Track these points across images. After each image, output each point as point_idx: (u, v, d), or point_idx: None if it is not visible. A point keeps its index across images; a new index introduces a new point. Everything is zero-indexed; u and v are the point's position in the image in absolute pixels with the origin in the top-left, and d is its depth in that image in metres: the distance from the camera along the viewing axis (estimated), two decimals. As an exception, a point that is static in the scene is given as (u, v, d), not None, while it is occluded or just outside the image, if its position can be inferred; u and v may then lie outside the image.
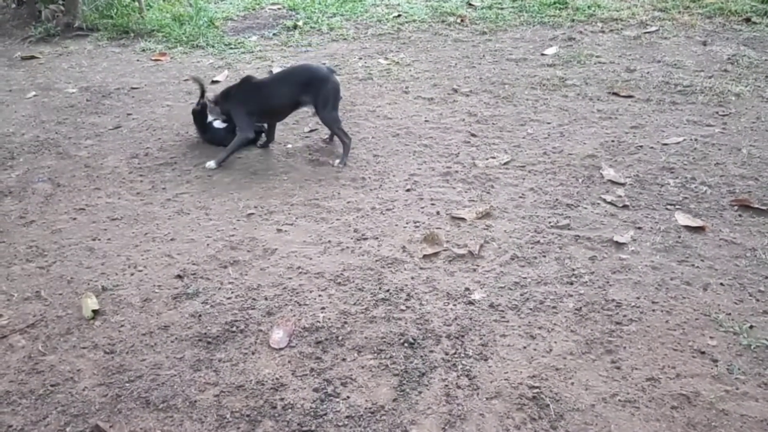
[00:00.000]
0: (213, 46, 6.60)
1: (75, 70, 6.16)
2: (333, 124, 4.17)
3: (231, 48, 6.54)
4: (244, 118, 4.17)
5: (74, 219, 3.63)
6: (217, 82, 5.63)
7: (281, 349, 2.63)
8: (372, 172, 3.98)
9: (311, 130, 4.60)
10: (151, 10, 7.63)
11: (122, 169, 4.17)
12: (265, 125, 4.37)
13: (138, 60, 6.37)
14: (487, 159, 4.05)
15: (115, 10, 7.45)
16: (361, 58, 6.05)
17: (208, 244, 3.33)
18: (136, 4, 7.54)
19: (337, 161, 4.09)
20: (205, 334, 2.72)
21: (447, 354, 2.55)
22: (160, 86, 5.60)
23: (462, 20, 6.94)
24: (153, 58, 6.37)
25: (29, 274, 3.17)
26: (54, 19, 7.35)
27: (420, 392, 2.38)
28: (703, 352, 2.47)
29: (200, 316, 2.82)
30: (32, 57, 6.61)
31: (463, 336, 2.64)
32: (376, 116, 4.77)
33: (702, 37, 5.98)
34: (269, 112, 4.28)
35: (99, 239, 3.43)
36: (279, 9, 7.74)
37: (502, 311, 2.76)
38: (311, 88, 4.10)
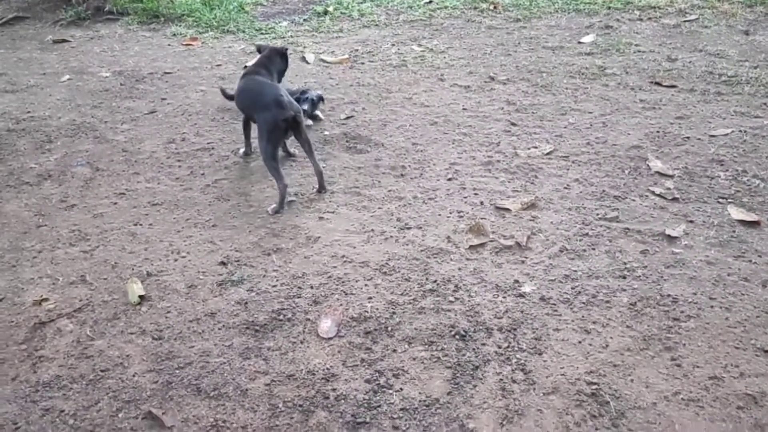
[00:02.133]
0: (244, 32, 6.56)
1: (107, 54, 6.14)
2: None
3: (262, 33, 6.49)
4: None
5: (115, 204, 3.62)
6: (250, 67, 5.57)
7: (330, 338, 2.60)
8: (412, 161, 3.92)
9: (348, 117, 4.55)
10: (181, -6, 7.59)
11: (160, 154, 4.14)
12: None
13: (169, 44, 6.34)
14: (528, 149, 3.98)
15: (145, -6, 7.43)
16: (393, 45, 5.98)
17: (250, 231, 3.30)
18: (166, -12, 7.49)
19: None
20: (253, 322, 2.69)
21: (500, 347, 2.50)
22: (192, 71, 5.57)
23: (495, 7, 6.84)
24: (184, 43, 6.34)
25: (73, 258, 3.16)
26: (84, 3, 7.33)
27: (475, 386, 2.33)
28: (766, 351, 2.40)
29: (246, 303, 2.80)
30: (63, 40, 6.60)
31: (515, 329, 2.59)
32: (412, 104, 4.71)
33: (744, 26, 5.84)
34: None
35: (141, 224, 3.41)
36: (309, -6, 7.67)
37: (554, 305, 2.71)
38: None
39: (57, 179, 3.90)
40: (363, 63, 5.57)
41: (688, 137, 3.98)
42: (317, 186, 3.63)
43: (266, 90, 3.65)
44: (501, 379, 2.35)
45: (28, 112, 4.83)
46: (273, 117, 3.47)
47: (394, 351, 2.51)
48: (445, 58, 5.58)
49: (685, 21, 6.02)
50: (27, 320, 2.76)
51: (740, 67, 4.95)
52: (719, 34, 5.68)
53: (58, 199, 3.68)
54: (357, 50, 5.88)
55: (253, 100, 3.72)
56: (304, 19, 6.84)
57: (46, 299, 2.87)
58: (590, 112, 4.42)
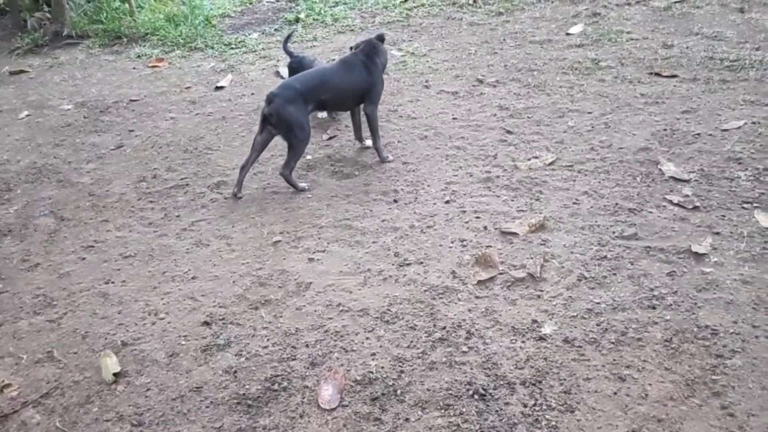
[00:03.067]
0: (212, 48, 6.22)
1: (68, 83, 5.78)
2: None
3: (232, 48, 6.16)
4: None
5: (83, 259, 3.29)
6: (221, 88, 5.24)
7: (333, 409, 2.29)
8: (404, 183, 3.62)
9: (330, 137, 4.23)
10: (143, 12, 7.22)
11: (130, 195, 3.81)
12: None
13: (134, 68, 5.99)
14: (529, 159, 3.68)
15: (104, 14, 7.06)
16: (372, 51, 5.64)
17: (234, 282, 2.99)
18: (126, 6, 7.12)
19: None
20: (244, 394, 2.38)
21: (526, 406, 2.20)
22: (160, 96, 5.22)
23: (474, 1, 6.52)
24: (150, 65, 5.99)
25: (38, 330, 2.83)
26: (41, 28, 6.96)
27: (503, 459, 2.04)
28: (829, 390, 2.12)
29: (235, 372, 2.48)
30: (21, 71, 6.24)
31: (540, 381, 2.29)
32: (398, 116, 4.40)
33: (737, 3, 5.56)
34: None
35: (112, 282, 3.09)
36: (277, 1, 7.32)
37: (580, 347, 2.41)
38: None
39: (18, 234, 3.56)
40: (341, 74, 5.23)
41: (698, 134, 3.69)
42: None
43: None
44: (532, 448, 2.06)
45: (-15, 157, 4.48)
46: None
47: (407, 420, 2.21)
48: (427, 61, 5.27)
49: (675, 2, 5.74)
50: (-12, 413, 2.43)
51: (741, 50, 4.67)
52: (713, 15, 5.40)
53: (19, 258, 3.34)
54: (333, 59, 5.54)
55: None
56: (275, 29, 6.51)
57: (9, 384, 2.54)
58: (590, 112, 4.12)
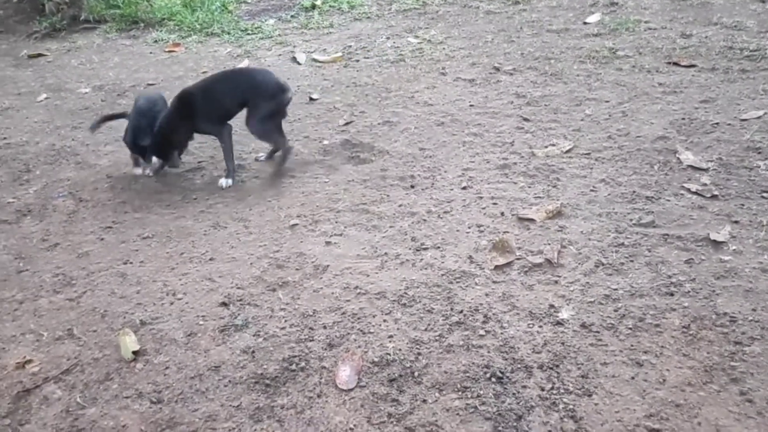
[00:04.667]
0: (229, 33, 6.22)
1: (86, 67, 5.81)
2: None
3: (248, 34, 6.16)
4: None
5: (101, 239, 3.31)
6: (238, 72, 5.24)
7: (350, 389, 2.30)
8: (421, 169, 3.62)
9: (347, 122, 4.23)
10: (160, -3, 7.23)
11: (147, 178, 3.83)
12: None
13: (151, 52, 6.00)
14: (546, 147, 3.67)
15: (121, -1, 7.07)
16: (389, 38, 5.64)
17: (251, 263, 3.00)
18: (144, -10, 7.13)
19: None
20: (262, 374, 2.39)
21: (543, 389, 2.21)
22: (177, 81, 5.24)
23: (491, -11, 6.48)
24: (166, 50, 6.00)
25: (58, 308, 2.86)
26: (59, 12, 6.98)
27: (520, 440, 2.04)
28: None
29: (253, 352, 2.50)
30: (39, 55, 6.26)
31: (557, 366, 2.29)
32: (415, 103, 4.39)
33: (758, -7, 5.50)
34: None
35: (131, 262, 3.11)
36: (294, -12, 7.31)
37: (597, 332, 2.41)
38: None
39: (38, 214, 3.59)
40: (358, 60, 5.24)
41: (717, 123, 3.67)
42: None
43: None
44: (549, 430, 2.06)
45: (4, 138, 4.52)
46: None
47: (425, 401, 2.22)
48: (444, 49, 5.25)
49: (694, -8, 5.68)
50: (10, 387, 2.46)
51: (762, 39, 4.62)
52: (733, 4, 5.35)
53: (39, 238, 3.38)
54: (350, 46, 5.55)
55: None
56: (292, 16, 6.50)
57: (30, 360, 2.57)
58: (607, 101, 4.10)
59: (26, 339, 2.70)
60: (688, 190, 3.15)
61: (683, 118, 3.77)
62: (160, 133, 3.63)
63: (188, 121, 3.65)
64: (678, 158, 3.40)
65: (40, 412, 2.34)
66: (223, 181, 3.65)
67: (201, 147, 4.11)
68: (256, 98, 3.64)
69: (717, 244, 2.77)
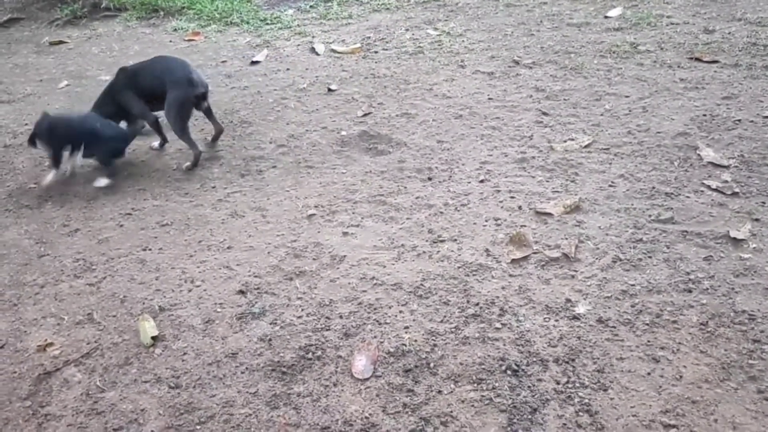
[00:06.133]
0: (248, 23, 6.23)
1: (106, 54, 5.85)
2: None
3: (267, 23, 6.17)
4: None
5: (121, 226, 3.35)
6: (256, 62, 5.27)
7: (366, 379, 2.32)
8: (438, 161, 3.62)
9: (365, 114, 4.23)
10: (180, -14, 7.25)
11: (166, 165, 3.86)
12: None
13: (171, 41, 6.03)
14: (564, 141, 3.65)
15: (142, -13, 7.10)
16: (408, 30, 5.63)
17: (269, 252, 3.02)
18: (164, -21, 7.16)
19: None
20: (279, 362, 2.41)
21: (559, 383, 2.21)
22: (197, 69, 5.24)
23: (511, -18, 6.44)
24: (186, 38, 6.03)
25: (79, 293, 2.90)
26: (80, 0, 7.02)
27: (535, 433, 2.05)
28: None
29: (270, 340, 2.52)
30: (60, 42, 6.31)
31: (573, 360, 2.29)
32: (433, 95, 4.39)
33: (783, -11, 5.43)
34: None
35: (150, 249, 3.14)
36: (313, -22, 7.30)
37: (614, 327, 2.41)
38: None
39: (58, 200, 3.63)
40: (376, 51, 5.24)
41: (739, 120, 3.63)
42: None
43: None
44: (564, 424, 2.07)
45: (26, 124, 4.56)
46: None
47: (440, 392, 2.23)
48: (463, 41, 5.23)
49: (718, -13, 5.61)
50: (31, 370, 2.50)
51: (786, 37, 4.57)
52: (757, 0, 5.27)
53: (60, 223, 3.42)
54: (369, 38, 5.54)
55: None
56: (311, 6, 6.50)
57: (51, 344, 2.61)
58: (627, 96, 4.07)
59: (47, 322, 2.74)
60: (709, 186, 3.13)
61: (704, 115, 3.73)
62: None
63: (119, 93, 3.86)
64: (698, 155, 3.38)
65: (61, 395, 2.38)
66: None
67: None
68: (168, 88, 3.73)
69: (737, 242, 2.75)
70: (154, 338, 2.58)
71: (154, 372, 2.44)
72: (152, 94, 3.79)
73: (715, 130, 3.57)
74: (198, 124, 4.35)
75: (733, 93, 3.93)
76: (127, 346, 2.57)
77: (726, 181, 3.14)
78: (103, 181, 3.71)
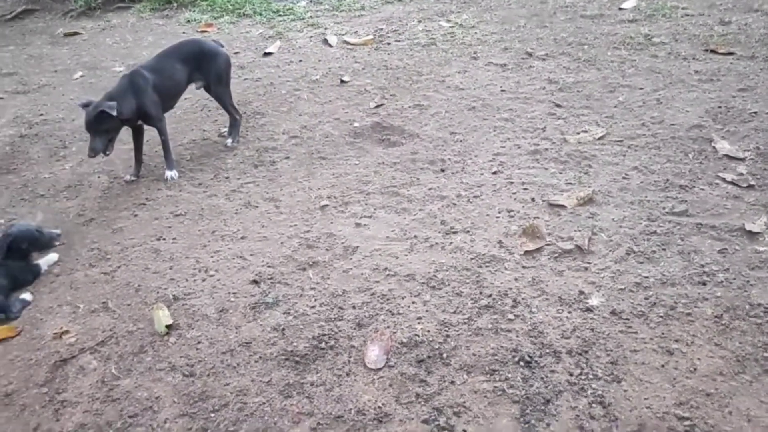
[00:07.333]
0: (261, 14, 6.24)
1: (120, 46, 5.87)
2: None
3: (280, 15, 6.17)
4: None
5: (135, 215, 3.37)
6: (269, 54, 5.28)
7: (379, 369, 2.32)
8: (451, 153, 3.61)
9: (377, 105, 4.23)
10: (193, -23, 7.26)
11: (180, 156, 3.88)
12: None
13: (184, 32, 6.05)
14: (578, 133, 3.64)
15: (155, -21, 7.12)
16: (420, 21, 5.61)
17: (282, 243, 3.03)
18: (177, -29, 7.17)
19: (229, 140, 3.89)
20: (292, 351, 2.43)
21: (572, 375, 2.21)
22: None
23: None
24: (199, 30, 6.04)
25: (94, 282, 2.93)
26: (94, -8, 7.06)
27: (548, 424, 2.05)
28: None
29: (283, 329, 2.53)
30: (75, 33, 6.35)
31: (586, 351, 2.29)
32: (446, 87, 4.37)
33: (801, -20, 5.36)
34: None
35: (164, 239, 3.16)
36: (325, -30, 7.29)
37: (627, 320, 2.40)
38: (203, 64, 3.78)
39: (74, 190, 3.66)
40: (389, 43, 5.23)
41: (755, 112, 3.60)
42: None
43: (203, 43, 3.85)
44: (577, 415, 2.07)
45: (41, 114, 4.60)
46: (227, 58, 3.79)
47: (452, 383, 2.24)
48: (476, 33, 5.21)
49: (734, -22, 5.55)
50: (47, 357, 2.53)
51: (803, 28, 4.51)
52: (774, -9, 5.21)
53: (75, 213, 3.45)
54: (381, 29, 5.53)
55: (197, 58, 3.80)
56: (323, -2, 6.49)
57: (67, 331, 2.64)
58: (641, 88, 4.05)
59: (63, 311, 2.77)
60: (724, 179, 3.10)
61: (720, 107, 3.70)
62: None
63: None
64: (713, 147, 3.35)
65: (77, 382, 2.40)
66: None
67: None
68: None
69: (752, 235, 2.73)
70: (168, 327, 2.60)
71: (169, 360, 2.46)
72: None
73: (731, 122, 3.54)
74: (211, 115, 4.36)
75: (749, 85, 3.89)
76: (141, 335, 2.59)
77: (741, 174, 3.11)
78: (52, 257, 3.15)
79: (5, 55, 5.91)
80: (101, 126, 3.34)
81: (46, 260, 3.07)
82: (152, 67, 3.62)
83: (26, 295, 2.88)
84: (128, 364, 2.46)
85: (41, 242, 3.06)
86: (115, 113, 3.30)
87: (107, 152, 3.46)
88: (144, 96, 3.49)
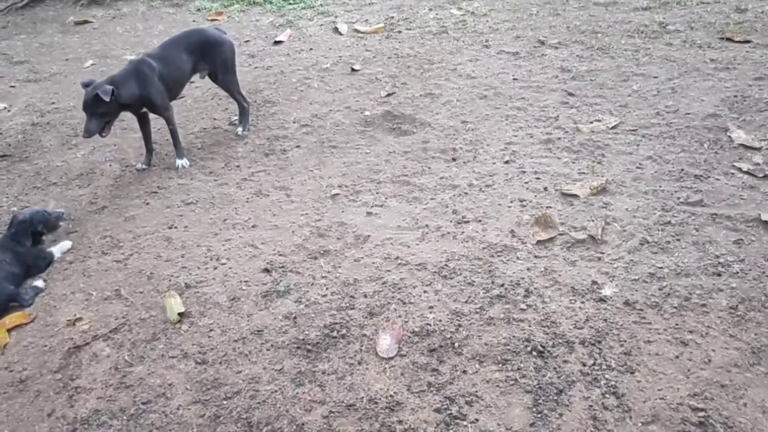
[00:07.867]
0: (271, 2, 6.21)
1: (130, 34, 5.87)
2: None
3: (290, 3, 6.15)
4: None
5: (147, 204, 3.38)
6: (279, 42, 5.26)
7: (391, 358, 2.32)
8: (463, 142, 3.59)
9: (389, 94, 4.21)
10: (203, -35, 7.24)
11: (191, 145, 3.88)
12: None
13: (194, 21, 6.03)
14: (591, 122, 3.61)
15: (166, -33, 7.10)
16: (431, 9, 5.57)
17: (293, 231, 3.03)
18: (187, -41, 7.15)
19: (240, 129, 3.87)
20: (304, 340, 2.43)
21: (585, 365, 2.20)
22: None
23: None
24: (209, 18, 6.03)
25: (106, 269, 2.94)
26: (104, -20, 7.05)
27: (561, 414, 2.05)
28: None
29: (295, 317, 2.54)
30: (85, 21, 6.35)
31: (600, 342, 2.28)
32: (457, 75, 4.35)
33: (818, -32, 5.28)
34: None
35: (175, 227, 3.17)
36: (336, -43, 7.25)
37: (641, 310, 2.39)
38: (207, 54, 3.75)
39: (86, 178, 3.67)
40: (400, 31, 5.20)
41: (771, 101, 3.56)
42: None
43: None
44: (590, 406, 2.06)
45: (53, 103, 4.61)
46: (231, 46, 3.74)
47: (464, 372, 2.23)
48: (488, 21, 5.17)
49: (750, -35, 5.47)
50: (61, 344, 2.54)
51: (821, 16, 4.45)
52: (791, -21, 5.14)
53: (87, 201, 3.45)
54: (392, 17, 5.50)
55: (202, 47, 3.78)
56: (334, -14, 6.45)
57: (80, 318, 2.65)
58: (655, 77, 4.00)
59: (76, 298, 2.78)
60: (739, 169, 3.07)
61: (735, 96, 3.66)
62: None
63: None
64: (729, 136, 3.31)
65: (90, 368, 2.42)
66: None
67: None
68: None
69: (768, 225, 2.71)
70: (180, 314, 2.60)
71: (181, 348, 2.46)
72: None
73: (747, 111, 3.50)
74: (222, 104, 4.36)
75: (765, 73, 3.85)
76: (154, 322, 2.60)
77: (757, 164, 3.08)
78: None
79: (17, 43, 5.92)
80: (97, 109, 3.35)
81: (59, 247, 3.08)
82: (158, 56, 3.61)
83: (39, 282, 2.90)
84: (141, 352, 2.47)
85: (51, 222, 3.10)
86: (108, 99, 3.28)
87: (103, 134, 3.45)
88: (150, 85, 3.49)
